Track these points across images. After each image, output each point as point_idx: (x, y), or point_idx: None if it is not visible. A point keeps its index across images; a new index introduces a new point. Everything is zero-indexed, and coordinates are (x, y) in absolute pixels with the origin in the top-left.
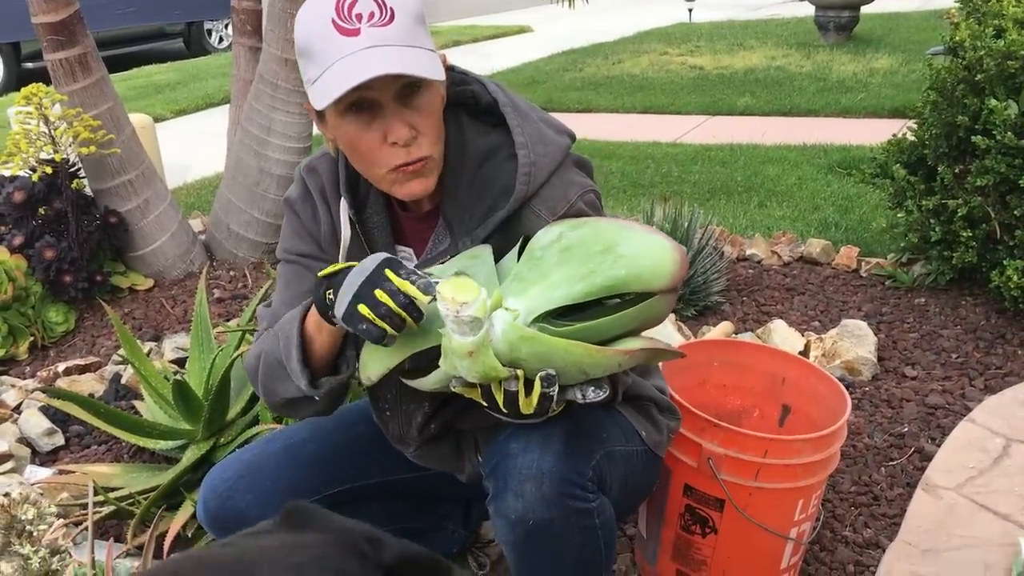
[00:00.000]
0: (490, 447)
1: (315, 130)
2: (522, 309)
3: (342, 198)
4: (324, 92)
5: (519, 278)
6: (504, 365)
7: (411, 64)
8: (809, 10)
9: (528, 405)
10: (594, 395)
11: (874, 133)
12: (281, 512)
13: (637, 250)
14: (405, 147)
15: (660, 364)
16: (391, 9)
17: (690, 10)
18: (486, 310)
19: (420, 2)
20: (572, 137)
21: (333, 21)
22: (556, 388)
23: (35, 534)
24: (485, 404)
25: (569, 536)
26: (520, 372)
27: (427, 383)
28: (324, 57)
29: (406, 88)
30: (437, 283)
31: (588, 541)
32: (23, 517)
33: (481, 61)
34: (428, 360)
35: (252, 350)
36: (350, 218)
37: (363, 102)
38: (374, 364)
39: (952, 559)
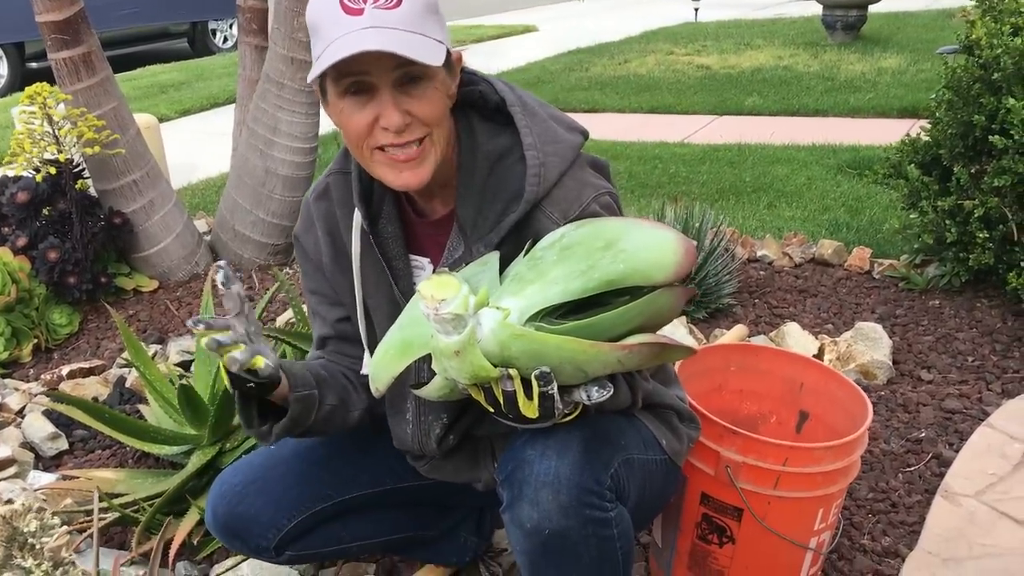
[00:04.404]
0: (505, 453)
1: (322, 129)
2: (517, 308)
3: (355, 210)
4: (316, 66)
5: (517, 278)
6: (497, 365)
7: (405, 47)
8: (816, 9)
9: (529, 407)
10: (598, 395)
11: (883, 133)
12: None
13: (639, 244)
14: (396, 133)
15: (678, 372)
16: None
17: (696, 9)
18: (467, 307)
19: None
20: (585, 134)
21: (341, 1)
22: (554, 387)
23: (37, 547)
24: (492, 409)
25: (586, 546)
26: (514, 372)
27: (430, 390)
28: (327, 34)
29: (404, 75)
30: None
31: (606, 552)
32: (25, 529)
33: (487, 61)
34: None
35: None
36: (363, 228)
37: (361, 84)
38: (380, 374)
39: (974, 569)
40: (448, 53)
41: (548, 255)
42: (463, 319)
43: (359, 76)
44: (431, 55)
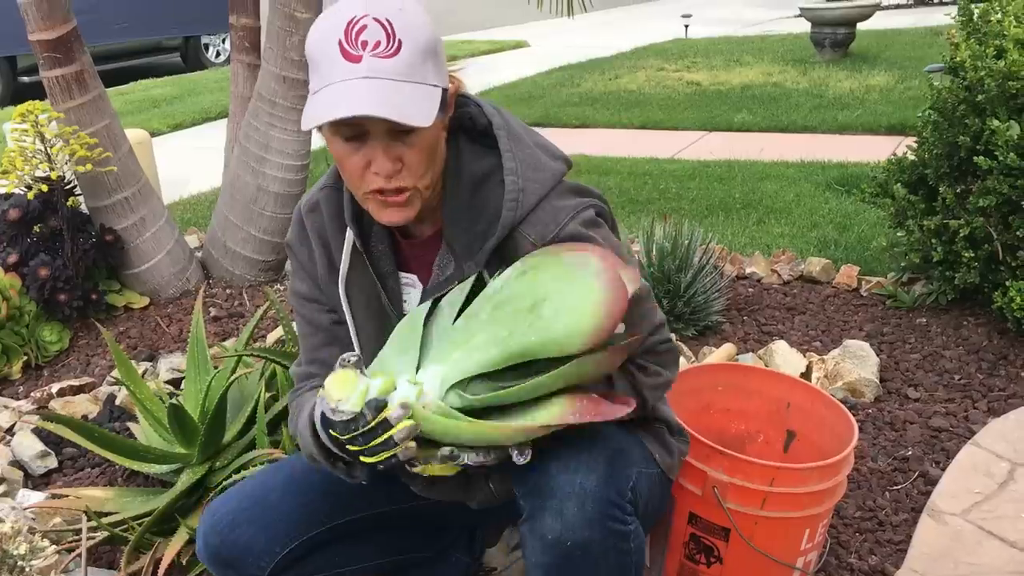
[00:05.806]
0: (525, 466)
1: (314, 145)
2: (439, 376)
3: (348, 228)
4: (310, 115)
5: (449, 339)
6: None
7: (398, 106)
8: (805, 27)
9: (443, 469)
10: (519, 458)
11: (871, 150)
12: None
13: (560, 308)
14: (387, 178)
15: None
16: (399, 41)
17: (686, 26)
18: (363, 403)
19: (434, 33)
20: (568, 163)
21: (340, 42)
22: (464, 458)
23: (27, 569)
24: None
25: (606, 559)
26: (412, 445)
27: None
28: (324, 75)
29: (397, 125)
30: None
31: (623, 565)
32: (15, 552)
33: (478, 76)
34: None
35: (292, 422)
36: (356, 246)
37: (354, 130)
38: None
39: None
40: (443, 91)
41: (482, 312)
42: (361, 415)
43: (351, 124)
44: (423, 113)
